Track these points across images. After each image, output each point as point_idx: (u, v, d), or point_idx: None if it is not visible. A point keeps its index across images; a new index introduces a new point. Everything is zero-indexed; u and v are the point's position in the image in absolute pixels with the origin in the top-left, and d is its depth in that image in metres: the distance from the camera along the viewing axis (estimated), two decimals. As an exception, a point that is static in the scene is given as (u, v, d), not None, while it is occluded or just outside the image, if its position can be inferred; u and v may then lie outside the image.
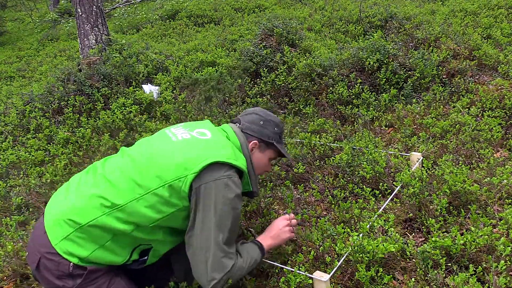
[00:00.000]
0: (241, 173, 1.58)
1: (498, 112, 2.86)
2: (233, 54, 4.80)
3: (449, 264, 1.66)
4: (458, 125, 2.73)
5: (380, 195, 2.21)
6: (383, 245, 1.66)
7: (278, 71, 4.00)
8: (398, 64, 3.59)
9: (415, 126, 2.98)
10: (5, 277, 2.12)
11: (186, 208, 1.48)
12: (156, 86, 4.37)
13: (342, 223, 2.00)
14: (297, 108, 3.64)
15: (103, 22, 4.97)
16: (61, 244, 1.42)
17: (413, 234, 2.00)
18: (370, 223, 1.90)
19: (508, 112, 2.89)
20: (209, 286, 1.43)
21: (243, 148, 1.66)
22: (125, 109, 3.84)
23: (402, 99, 3.38)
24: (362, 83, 3.56)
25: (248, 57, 4.31)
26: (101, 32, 4.93)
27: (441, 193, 2.02)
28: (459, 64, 3.56)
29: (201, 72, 4.41)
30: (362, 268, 1.61)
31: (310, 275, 1.62)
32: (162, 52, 5.26)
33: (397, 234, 1.81)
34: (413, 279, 1.62)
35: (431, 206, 1.99)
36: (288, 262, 1.82)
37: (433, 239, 1.70)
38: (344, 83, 3.59)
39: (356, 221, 2.03)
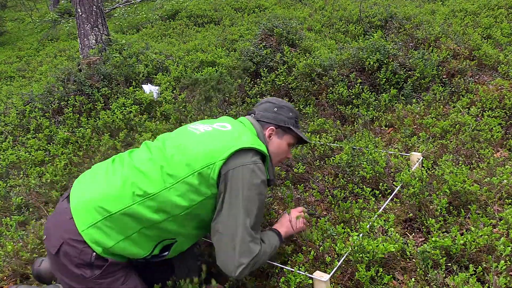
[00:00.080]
0: (264, 158, 1.62)
1: (498, 112, 2.86)
2: (233, 54, 4.80)
3: (449, 264, 1.66)
4: (458, 125, 2.73)
5: (380, 195, 2.21)
6: (383, 245, 1.66)
7: (278, 71, 4.00)
8: (398, 64, 3.59)
9: (415, 126, 2.98)
10: (5, 277, 2.12)
11: (214, 196, 1.50)
12: (156, 86, 4.37)
13: (342, 223, 2.00)
14: (297, 108, 3.64)
15: (103, 22, 4.97)
16: (87, 230, 1.42)
17: (413, 234, 2.00)
18: (370, 223, 1.90)
19: (508, 112, 2.88)
20: (238, 271, 1.43)
21: (259, 137, 1.69)
22: (125, 109, 3.84)
23: (402, 99, 3.38)
24: (362, 83, 3.56)
25: (248, 57, 4.31)
26: (101, 32, 4.94)
27: (441, 193, 2.02)
28: (459, 64, 3.56)
29: (201, 72, 4.41)
30: (362, 268, 1.61)
31: (310, 275, 1.62)
32: (162, 52, 5.26)
33: (397, 234, 1.81)
34: (413, 279, 1.62)
35: (431, 206, 1.99)
36: (288, 262, 1.82)
37: (433, 239, 1.70)
38: (344, 83, 3.59)
39: (356, 221, 2.03)
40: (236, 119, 1.79)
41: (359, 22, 5.56)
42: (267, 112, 1.79)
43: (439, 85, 3.42)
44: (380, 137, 2.92)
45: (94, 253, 1.42)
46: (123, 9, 9.07)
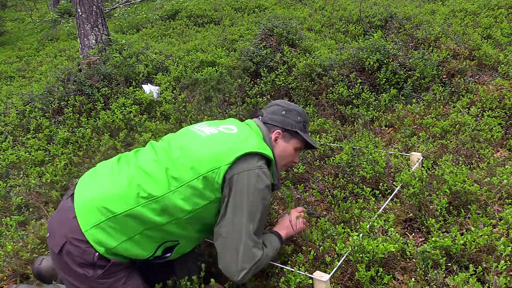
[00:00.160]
0: (269, 162, 1.61)
1: (498, 112, 2.86)
2: (233, 54, 4.80)
3: (449, 264, 1.66)
4: (458, 125, 2.73)
5: (380, 195, 2.21)
6: (383, 245, 1.66)
7: (278, 71, 4.00)
8: (398, 64, 3.59)
9: (415, 126, 2.98)
10: (5, 277, 2.12)
11: (218, 200, 1.50)
12: (156, 86, 4.37)
13: (342, 223, 2.00)
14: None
15: (103, 22, 4.96)
16: (91, 231, 1.42)
17: (413, 234, 2.00)
18: (370, 223, 1.90)
19: (508, 112, 2.89)
20: (239, 276, 1.44)
21: (265, 140, 1.68)
22: (125, 109, 3.84)
23: (402, 99, 3.38)
24: (362, 83, 3.56)
25: (248, 57, 4.31)
26: (101, 32, 4.93)
27: (441, 193, 2.02)
28: (459, 64, 3.56)
29: (201, 72, 4.41)
30: (362, 268, 1.61)
31: (310, 275, 1.62)
32: (162, 52, 5.26)
33: (397, 234, 1.81)
34: (413, 279, 1.62)
35: (431, 206, 1.99)
36: (288, 262, 1.82)
37: (433, 239, 1.70)
38: (344, 83, 3.59)
39: (356, 221, 2.03)
40: (242, 122, 1.77)
41: (359, 22, 5.56)
42: (274, 115, 1.77)
43: (439, 85, 3.42)
44: (380, 137, 2.92)
45: (97, 253, 1.42)
46: (123, 9, 9.07)
